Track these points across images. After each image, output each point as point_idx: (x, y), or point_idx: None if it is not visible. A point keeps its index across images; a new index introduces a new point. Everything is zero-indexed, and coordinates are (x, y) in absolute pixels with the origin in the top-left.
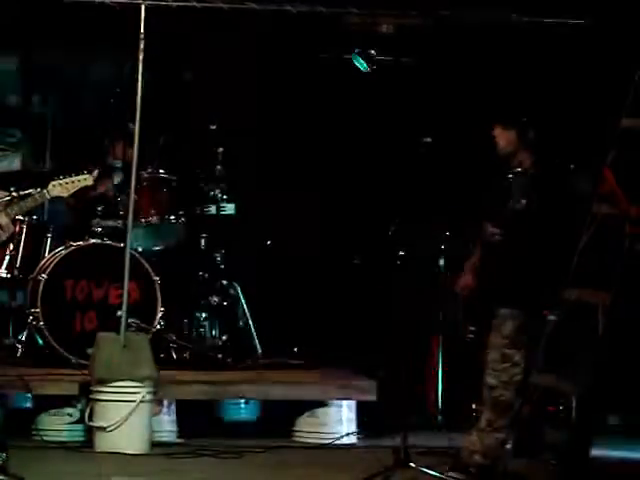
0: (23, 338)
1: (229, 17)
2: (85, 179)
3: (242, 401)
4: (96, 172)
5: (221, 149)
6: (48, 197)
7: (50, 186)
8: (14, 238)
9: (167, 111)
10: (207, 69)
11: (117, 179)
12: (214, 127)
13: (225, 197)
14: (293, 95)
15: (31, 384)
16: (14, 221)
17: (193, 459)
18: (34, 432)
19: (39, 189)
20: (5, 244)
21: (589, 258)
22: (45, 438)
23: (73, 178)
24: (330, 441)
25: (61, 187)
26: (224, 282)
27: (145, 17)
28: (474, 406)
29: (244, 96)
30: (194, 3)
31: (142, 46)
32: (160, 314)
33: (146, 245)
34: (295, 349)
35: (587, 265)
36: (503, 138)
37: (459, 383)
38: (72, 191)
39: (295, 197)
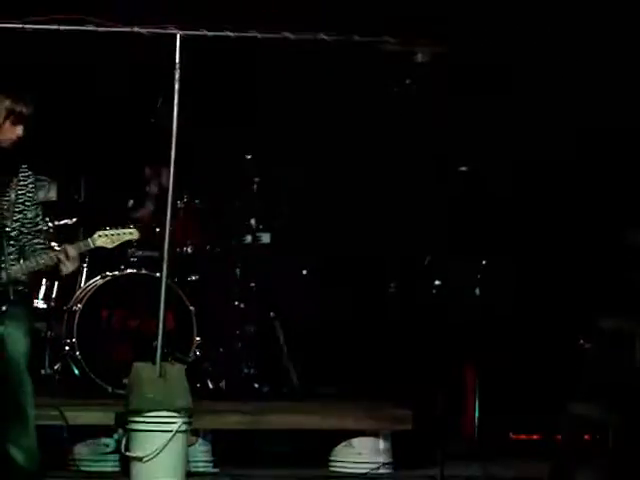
0: (59, 368)
1: (264, 45)
2: (131, 233)
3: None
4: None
5: (257, 179)
6: (92, 246)
7: (96, 235)
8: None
9: (203, 140)
10: (244, 98)
11: (152, 207)
12: (249, 157)
13: (261, 226)
14: (330, 123)
15: (67, 414)
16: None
17: None
18: (70, 462)
19: (84, 237)
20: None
21: (626, 285)
22: (81, 468)
23: (119, 231)
24: (366, 471)
25: (106, 238)
26: (260, 311)
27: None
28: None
29: (281, 125)
30: (228, 33)
31: (177, 76)
32: (196, 344)
33: (182, 275)
34: (331, 378)
35: (624, 293)
36: None
37: (496, 411)
38: (116, 244)
39: (331, 225)
